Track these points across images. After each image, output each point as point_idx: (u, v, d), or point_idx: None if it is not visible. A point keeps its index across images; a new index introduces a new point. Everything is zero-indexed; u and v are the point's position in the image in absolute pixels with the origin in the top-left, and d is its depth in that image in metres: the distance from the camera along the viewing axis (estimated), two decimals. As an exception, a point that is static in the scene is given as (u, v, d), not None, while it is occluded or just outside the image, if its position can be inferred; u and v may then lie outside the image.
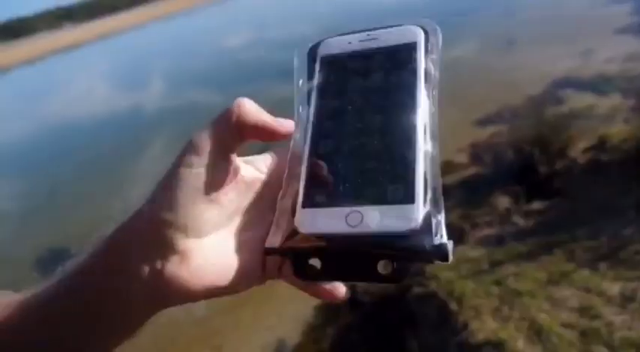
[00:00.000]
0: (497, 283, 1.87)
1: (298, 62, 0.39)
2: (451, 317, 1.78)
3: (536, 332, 1.60)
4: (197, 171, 0.31)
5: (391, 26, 0.38)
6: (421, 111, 0.33)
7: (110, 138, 7.42)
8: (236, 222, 0.34)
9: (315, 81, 0.37)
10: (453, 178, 3.08)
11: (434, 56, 0.36)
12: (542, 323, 1.62)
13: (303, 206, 0.32)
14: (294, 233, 0.32)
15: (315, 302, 2.27)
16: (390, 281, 0.30)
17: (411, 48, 0.36)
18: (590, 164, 2.70)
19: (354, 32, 0.39)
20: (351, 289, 2.40)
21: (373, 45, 0.37)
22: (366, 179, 0.32)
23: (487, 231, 2.42)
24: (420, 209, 0.30)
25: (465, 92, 4.72)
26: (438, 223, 0.30)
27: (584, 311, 1.62)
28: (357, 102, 0.35)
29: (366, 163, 0.32)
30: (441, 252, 0.29)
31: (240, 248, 0.33)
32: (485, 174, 3.04)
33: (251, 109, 0.32)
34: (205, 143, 0.32)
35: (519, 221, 2.44)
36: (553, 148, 2.83)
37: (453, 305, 1.82)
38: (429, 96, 0.34)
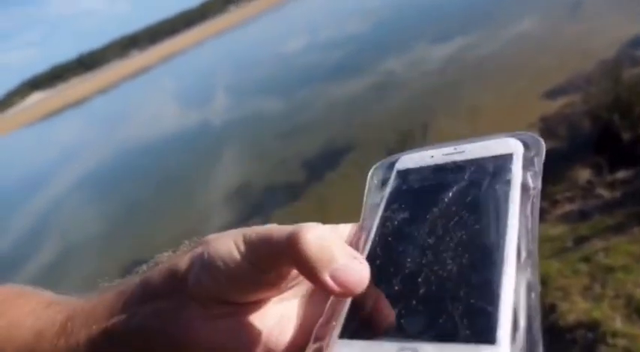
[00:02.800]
0: (586, 260, 1.73)
1: (370, 182, 0.33)
2: (537, 300, 1.67)
3: (636, 310, 1.46)
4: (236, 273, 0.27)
5: (483, 139, 0.32)
6: (513, 229, 0.26)
7: (182, 154, 7.70)
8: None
9: (386, 194, 0.32)
10: (525, 156, 2.92)
11: (535, 169, 0.29)
12: (641, 300, 1.47)
13: (341, 335, 0.26)
14: None
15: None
16: None
17: (505, 159, 0.30)
18: (678, 124, 2.46)
19: (440, 147, 0.33)
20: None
21: (458, 158, 0.31)
22: (429, 308, 0.24)
23: (569, 207, 2.26)
24: (506, 350, 0.22)
25: (532, 64, 4.49)
26: None
27: (687, 282, 1.46)
28: (430, 218, 0.28)
29: (432, 290, 0.25)
30: None
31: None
32: (561, 148, 2.85)
33: (309, 251, 0.25)
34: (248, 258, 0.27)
35: (604, 193, 2.26)
36: (635, 112, 2.61)
37: (538, 288, 1.71)
38: (525, 213, 0.27)
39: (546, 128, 3.11)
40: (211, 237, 0.29)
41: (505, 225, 0.26)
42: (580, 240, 1.90)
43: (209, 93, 12.13)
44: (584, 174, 2.49)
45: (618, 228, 1.87)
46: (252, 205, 4.27)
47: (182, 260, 0.29)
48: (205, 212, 4.85)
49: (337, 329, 0.26)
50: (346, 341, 0.25)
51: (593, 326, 1.47)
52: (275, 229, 0.27)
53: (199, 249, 0.29)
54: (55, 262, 5.52)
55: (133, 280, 0.32)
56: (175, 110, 12.77)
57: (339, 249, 0.26)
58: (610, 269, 1.63)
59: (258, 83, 10.41)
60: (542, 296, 1.68)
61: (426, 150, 0.33)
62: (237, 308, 0.29)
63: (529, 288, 0.24)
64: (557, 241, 1.96)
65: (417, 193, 0.31)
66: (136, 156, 9.42)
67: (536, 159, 0.29)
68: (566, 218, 2.17)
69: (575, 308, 1.54)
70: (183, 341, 0.29)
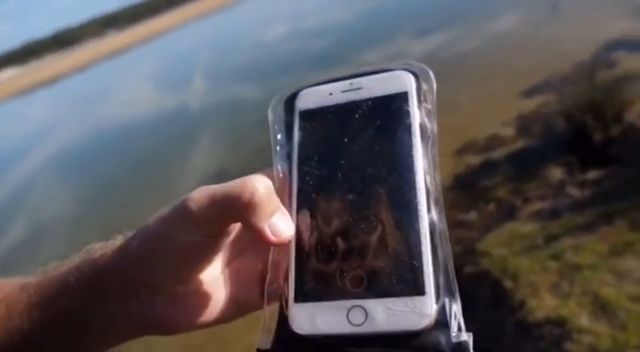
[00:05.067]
0: (555, 258, 1.77)
1: (274, 116, 0.34)
2: (506, 295, 1.71)
3: (601, 307, 1.50)
4: (188, 240, 0.29)
5: (376, 71, 0.33)
6: (420, 177, 0.28)
7: (159, 137, 7.60)
8: (228, 254, 0.32)
9: (296, 141, 0.32)
10: (499, 153, 2.96)
11: (428, 106, 0.31)
12: (607, 298, 1.52)
13: (297, 300, 0.28)
14: (287, 331, 0.28)
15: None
16: None
17: (401, 99, 0.31)
18: (649, 128, 2.52)
19: (334, 80, 0.34)
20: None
21: (357, 96, 0.32)
22: (365, 264, 0.27)
23: (540, 205, 2.31)
24: (432, 301, 0.26)
25: (509, 63, 4.54)
26: (455, 315, 0.26)
27: (651, 282, 1.51)
28: (345, 170, 0.30)
29: (362, 244, 0.28)
30: (460, 351, 0.25)
31: (233, 280, 0.32)
32: (535, 146, 2.90)
33: (263, 202, 0.28)
34: (202, 215, 0.28)
35: (574, 192, 2.31)
36: (607, 114, 2.66)
37: (508, 283, 1.74)
38: (426, 155, 0.29)
39: (522, 126, 3.16)
40: (145, 226, 0.30)
41: (413, 177, 0.28)
42: (550, 238, 1.94)
43: (188, 77, 11.97)
44: (556, 173, 2.53)
45: (587, 227, 1.92)
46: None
47: (128, 248, 0.30)
48: (180, 196, 4.81)
49: (290, 293, 0.28)
50: (301, 305, 0.28)
51: (560, 322, 1.51)
52: (215, 189, 0.28)
53: (138, 240, 0.30)
54: (25, 241, 5.43)
55: (71, 268, 0.32)
56: (153, 92, 12.58)
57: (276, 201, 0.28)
58: (578, 267, 1.68)
59: (239, 69, 10.31)
60: (513, 291, 1.72)
61: (323, 84, 0.34)
62: (188, 283, 0.30)
63: (442, 234, 0.27)
64: (528, 239, 2.00)
65: (325, 139, 0.32)
66: (112, 136, 9.27)
67: (428, 95, 0.31)
68: (537, 216, 2.21)
69: (544, 305, 1.58)
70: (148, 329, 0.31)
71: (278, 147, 0.33)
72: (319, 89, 0.34)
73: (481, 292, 1.80)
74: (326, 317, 0.27)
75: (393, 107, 0.31)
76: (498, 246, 1.94)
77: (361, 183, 0.29)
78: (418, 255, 0.26)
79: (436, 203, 0.28)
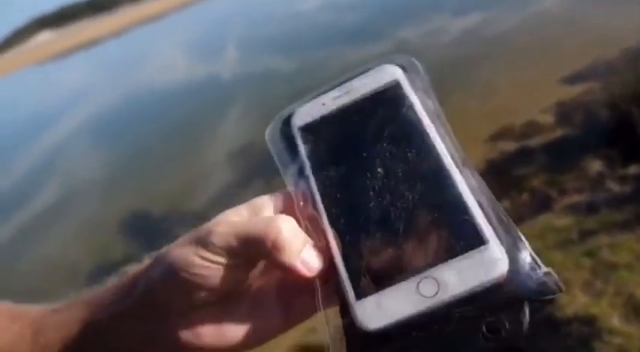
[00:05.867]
0: (589, 254, 1.72)
1: (273, 143, 0.33)
2: (536, 289, 1.67)
3: (634, 309, 1.46)
4: (211, 270, 0.29)
5: (361, 72, 0.33)
6: (438, 142, 0.29)
7: (190, 105, 7.65)
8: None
9: (303, 155, 0.32)
10: (536, 141, 2.87)
11: (421, 89, 0.32)
12: (641, 300, 1.47)
13: (358, 297, 0.26)
14: (359, 332, 0.26)
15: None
16: (504, 345, 0.23)
17: (394, 87, 0.31)
18: (698, 122, 2.41)
19: (323, 92, 0.34)
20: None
21: (350, 98, 0.32)
22: (417, 237, 0.27)
23: (576, 198, 2.24)
24: (497, 245, 0.25)
25: (551, 46, 4.38)
26: (526, 251, 0.25)
27: (690, 287, 1.46)
28: (362, 162, 0.30)
29: (406, 221, 0.27)
30: (551, 284, 0.24)
31: (256, 302, 0.31)
32: (575, 136, 2.81)
33: (290, 242, 0.28)
34: (226, 252, 0.29)
35: (614, 187, 2.23)
36: (654, 106, 2.55)
37: (539, 278, 1.70)
38: (436, 124, 0.30)
39: (562, 114, 3.06)
40: (172, 249, 0.30)
41: (433, 146, 0.28)
42: (585, 234, 1.89)
43: (221, 46, 11.95)
44: (595, 166, 2.45)
45: (625, 225, 1.85)
46: (254, 166, 4.25)
47: (151, 274, 0.30)
48: (207, 167, 4.85)
49: (350, 295, 0.27)
50: (366, 300, 0.26)
51: (590, 321, 1.48)
52: (238, 227, 0.29)
53: (160, 269, 0.30)
54: (57, 204, 5.56)
55: (102, 290, 0.33)
56: (186, 60, 12.64)
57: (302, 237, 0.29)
58: (613, 266, 1.63)
59: (271, 40, 10.25)
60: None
61: (312, 99, 0.33)
62: (213, 306, 0.30)
63: (480, 185, 0.27)
64: (563, 233, 1.94)
65: (334, 144, 0.31)
66: (145, 103, 9.39)
67: (417, 79, 0.32)
68: (573, 209, 2.15)
69: (575, 302, 1.54)
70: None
71: (287, 169, 0.32)
72: (311, 103, 0.33)
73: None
74: (396, 302, 0.25)
75: (388, 96, 0.31)
76: (531, 239, 1.86)
77: (382, 168, 0.29)
78: (465, 209, 0.26)
79: (464, 162, 0.28)
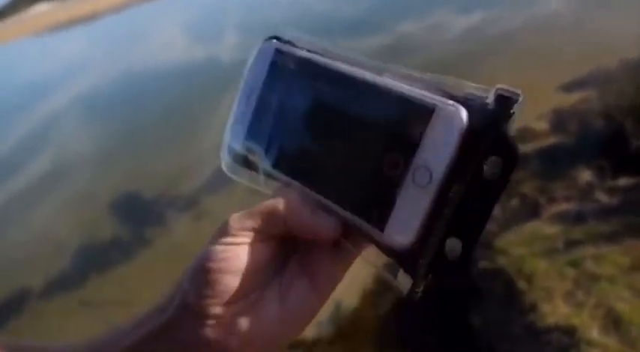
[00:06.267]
0: (573, 264, 1.75)
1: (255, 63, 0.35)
2: (519, 296, 1.69)
3: (614, 322, 1.48)
4: (230, 255, 0.30)
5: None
6: (345, 69, 0.30)
7: (187, 88, 7.60)
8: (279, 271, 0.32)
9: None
10: (530, 146, 2.89)
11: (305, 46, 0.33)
12: (621, 313, 1.49)
13: (381, 229, 0.27)
14: (403, 255, 0.27)
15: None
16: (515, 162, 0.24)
17: (281, 54, 0.33)
18: (690, 140, 2.43)
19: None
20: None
21: (257, 83, 0.35)
22: (381, 146, 0.27)
23: (565, 207, 2.26)
24: (445, 102, 0.25)
25: (551, 51, 4.39)
26: (474, 89, 0.26)
27: (670, 303, 1.48)
28: (303, 122, 0.31)
29: (364, 142, 0.28)
30: (509, 95, 0.24)
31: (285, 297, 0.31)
32: (568, 144, 2.82)
33: (296, 211, 0.29)
34: (240, 229, 0.30)
35: (602, 198, 2.25)
36: (649, 119, 2.57)
37: (522, 284, 1.73)
38: (335, 59, 0.31)
39: (557, 121, 3.08)
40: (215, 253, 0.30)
41: (341, 73, 0.30)
42: (571, 243, 1.91)
43: (221, 29, 11.86)
44: (586, 175, 2.47)
45: (611, 237, 1.87)
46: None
47: (182, 282, 0.31)
48: (203, 152, 4.84)
49: (375, 232, 0.27)
50: (387, 228, 0.27)
51: (570, 331, 1.50)
52: (256, 206, 0.30)
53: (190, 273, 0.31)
54: (48, 175, 5.53)
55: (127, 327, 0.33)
56: (186, 41, 12.52)
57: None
58: (596, 278, 1.65)
59: (271, 27, 10.14)
60: (526, 293, 1.70)
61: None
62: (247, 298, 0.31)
63: (412, 76, 0.28)
64: (549, 241, 1.97)
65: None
66: (142, 80, 9.32)
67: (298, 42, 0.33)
68: (560, 218, 2.17)
69: (556, 312, 1.56)
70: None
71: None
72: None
73: (494, 289, 1.78)
74: (410, 208, 0.26)
75: (281, 64, 0.33)
76: (517, 245, 1.91)
77: (315, 115, 0.30)
78: (397, 95, 0.27)
79: (383, 71, 0.29)
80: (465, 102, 0.25)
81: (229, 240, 0.29)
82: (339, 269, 0.31)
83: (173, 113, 6.53)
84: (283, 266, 0.32)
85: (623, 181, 2.32)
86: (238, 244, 0.29)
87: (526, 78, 3.99)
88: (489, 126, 0.24)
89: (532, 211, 2.28)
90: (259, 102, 0.33)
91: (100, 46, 17.20)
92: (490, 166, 0.24)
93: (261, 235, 0.30)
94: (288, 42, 0.34)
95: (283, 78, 0.32)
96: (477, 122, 0.24)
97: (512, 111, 0.24)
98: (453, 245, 0.25)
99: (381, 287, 2.21)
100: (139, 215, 3.95)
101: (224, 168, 0.36)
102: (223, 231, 0.30)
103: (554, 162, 2.65)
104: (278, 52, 0.33)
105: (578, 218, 2.12)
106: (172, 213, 3.72)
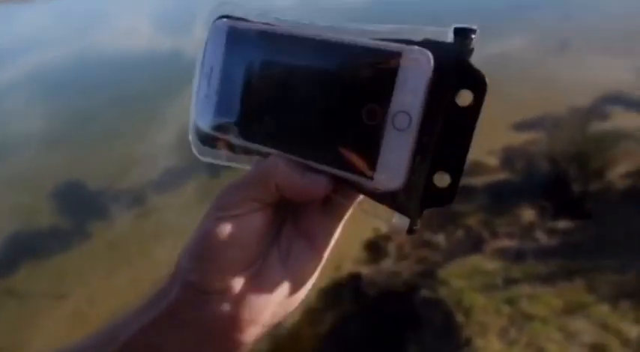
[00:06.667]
0: (510, 302, 1.81)
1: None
2: (456, 328, 1.73)
3: (542, 362, 1.54)
4: (228, 226, 0.30)
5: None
6: (301, 32, 0.30)
7: (147, 78, 7.41)
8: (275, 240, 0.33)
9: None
10: (479, 180, 2.98)
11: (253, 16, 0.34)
12: (549, 354, 1.55)
13: (371, 179, 0.28)
14: (394, 194, 0.28)
15: (317, 285, 2.23)
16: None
17: (235, 31, 0.34)
18: (628, 190, 2.57)
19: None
20: (356, 279, 2.34)
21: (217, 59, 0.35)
22: (354, 97, 0.28)
23: (507, 243, 2.34)
24: (410, 48, 0.27)
25: (507, 90, 4.55)
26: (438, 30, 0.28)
27: (596, 348, 1.55)
28: (272, 86, 0.32)
29: (339, 94, 0.29)
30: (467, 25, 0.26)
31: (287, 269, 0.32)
32: (514, 182, 2.93)
33: (285, 175, 0.30)
34: (234, 202, 0.30)
35: (542, 238, 2.35)
36: (591, 167, 2.71)
37: (460, 317, 1.77)
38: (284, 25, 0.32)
39: (506, 159, 3.19)
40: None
41: (297, 38, 0.30)
42: (509, 281, 1.98)
43: (189, 21, 11.67)
44: (528, 214, 2.57)
45: (547, 279, 1.95)
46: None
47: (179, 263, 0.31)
48: (154, 148, 4.73)
49: (364, 181, 0.29)
50: (376, 175, 0.28)
51: (500, 368, 1.55)
52: (245, 175, 0.31)
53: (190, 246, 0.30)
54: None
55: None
56: (150, 29, 12.24)
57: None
58: (529, 317, 1.71)
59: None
60: (463, 327, 1.75)
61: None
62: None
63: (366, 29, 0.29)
64: (489, 276, 2.03)
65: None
66: (99, 64, 9.02)
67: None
68: (501, 254, 2.24)
69: (489, 347, 1.61)
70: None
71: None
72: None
73: (432, 319, 1.82)
74: (395, 154, 0.27)
75: (237, 38, 0.33)
76: (458, 277, 1.96)
77: (284, 79, 0.30)
78: (362, 49, 0.27)
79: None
80: (427, 44, 0.27)
81: (225, 213, 0.29)
82: (332, 225, 0.32)
83: (128, 102, 6.35)
84: (278, 233, 0.32)
85: (563, 224, 2.43)
86: (236, 216, 0.29)
87: (482, 114, 4.13)
88: (454, 61, 0.26)
89: (475, 244, 2.35)
90: (222, 80, 0.33)
91: (60, 23, 16.58)
92: (462, 98, 0.26)
93: (256, 204, 0.30)
94: (239, 19, 0.34)
95: (244, 53, 0.32)
96: (443, 60, 0.26)
97: (471, 45, 0.26)
98: (441, 178, 0.27)
99: (323, 305, 2.22)
100: (80, 205, 3.81)
101: (195, 151, 0.35)
102: (218, 205, 0.30)
103: (500, 198, 2.75)
104: (232, 29, 0.33)
105: (518, 256, 2.20)
106: (116, 207, 3.61)
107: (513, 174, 3.03)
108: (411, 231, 0.28)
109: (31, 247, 3.30)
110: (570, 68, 4.82)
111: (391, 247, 2.53)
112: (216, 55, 0.33)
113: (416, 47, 0.26)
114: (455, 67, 0.26)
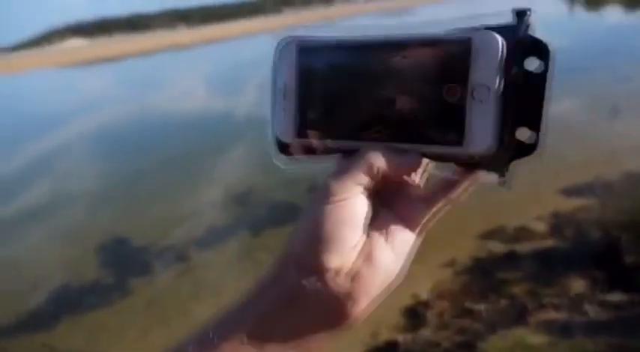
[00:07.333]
0: (555, 381, 1.68)
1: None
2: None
3: None
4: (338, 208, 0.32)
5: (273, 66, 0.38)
6: (368, 42, 0.34)
7: (197, 138, 7.70)
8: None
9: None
10: (526, 247, 2.87)
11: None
12: None
13: (460, 144, 0.31)
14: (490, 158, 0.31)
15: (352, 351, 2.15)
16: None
17: (300, 49, 0.36)
18: (686, 263, 2.41)
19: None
20: (393, 347, 2.25)
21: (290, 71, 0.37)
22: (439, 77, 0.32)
23: (553, 315, 2.21)
24: (480, 30, 0.31)
25: (556, 155, 4.44)
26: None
27: None
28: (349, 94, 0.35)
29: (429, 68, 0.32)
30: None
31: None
32: (563, 250, 2.80)
33: (386, 158, 0.33)
34: (343, 187, 0.32)
35: (592, 311, 2.20)
36: (645, 237, 2.57)
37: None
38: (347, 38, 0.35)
39: (555, 225, 3.07)
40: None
41: (365, 46, 0.34)
42: (555, 358, 1.85)
43: (241, 86, 12.18)
44: (578, 285, 2.44)
45: (596, 356, 1.82)
46: (245, 216, 4.24)
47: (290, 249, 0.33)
48: (199, 206, 4.83)
49: (451, 149, 0.32)
50: (467, 137, 0.31)
51: None
52: (358, 164, 0.33)
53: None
54: (42, 205, 5.52)
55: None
56: (204, 92, 12.85)
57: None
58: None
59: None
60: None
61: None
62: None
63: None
64: (533, 351, 1.91)
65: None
66: (154, 125, 9.49)
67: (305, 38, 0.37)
68: (547, 327, 2.11)
69: None
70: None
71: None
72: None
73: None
74: (480, 120, 0.30)
75: (308, 56, 0.36)
76: (500, 351, 1.85)
77: (362, 83, 0.34)
78: (435, 39, 0.32)
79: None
80: (490, 28, 0.31)
81: (333, 198, 0.32)
82: (427, 205, 0.34)
83: (178, 162, 6.58)
84: (375, 216, 0.34)
85: (615, 297, 2.28)
86: (343, 199, 0.32)
87: (528, 177, 4.03)
88: (519, 35, 0.30)
89: (519, 315, 2.22)
90: (299, 91, 0.36)
91: (119, 86, 17.66)
92: (531, 64, 0.30)
93: (360, 188, 0.32)
94: (306, 36, 0.37)
95: (317, 62, 0.36)
96: (508, 36, 0.30)
97: (529, 21, 0.30)
98: (523, 132, 0.31)
99: None
100: (124, 261, 3.89)
101: (281, 165, 0.38)
102: (326, 192, 0.32)
103: (548, 267, 2.62)
104: (302, 43, 0.36)
105: (565, 330, 2.06)
106: (159, 264, 3.66)
107: (562, 242, 2.90)
108: (502, 183, 0.32)
109: (73, 302, 3.36)
110: (622, 132, 4.68)
111: (431, 315, 2.44)
112: (290, 69, 0.36)
113: (483, 29, 0.31)
114: (520, 39, 0.30)
